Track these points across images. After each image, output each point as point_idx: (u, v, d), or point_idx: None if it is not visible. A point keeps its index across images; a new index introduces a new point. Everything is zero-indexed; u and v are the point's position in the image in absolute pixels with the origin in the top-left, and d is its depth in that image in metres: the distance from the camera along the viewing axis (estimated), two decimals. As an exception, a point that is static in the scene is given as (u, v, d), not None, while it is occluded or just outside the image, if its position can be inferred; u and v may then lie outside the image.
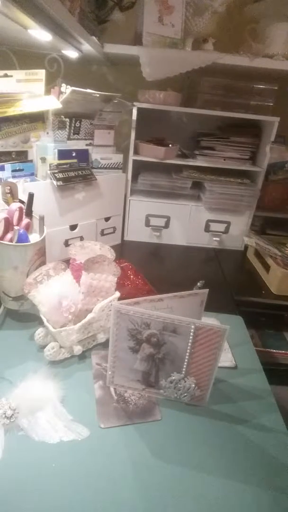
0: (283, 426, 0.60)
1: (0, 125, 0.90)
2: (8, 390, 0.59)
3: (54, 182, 0.96)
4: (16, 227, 0.77)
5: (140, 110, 1.15)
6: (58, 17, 0.68)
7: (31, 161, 0.98)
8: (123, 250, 1.28)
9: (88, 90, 0.96)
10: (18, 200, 0.82)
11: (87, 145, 1.09)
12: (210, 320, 0.81)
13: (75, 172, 1.02)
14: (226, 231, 1.33)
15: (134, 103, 1.14)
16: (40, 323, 0.71)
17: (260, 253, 1.17)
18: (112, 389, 0.64)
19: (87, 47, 0.94)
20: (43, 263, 0.78)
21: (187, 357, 0.59)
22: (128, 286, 0.86)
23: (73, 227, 1.10)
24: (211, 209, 1.30)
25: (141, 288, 0.87)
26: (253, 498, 0.49)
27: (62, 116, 0.99)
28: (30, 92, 0.92)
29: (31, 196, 0.81)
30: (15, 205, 0.78)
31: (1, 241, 0.73)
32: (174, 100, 1.16)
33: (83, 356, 0.72)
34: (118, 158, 1.15)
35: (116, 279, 0.74)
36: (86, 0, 0.95)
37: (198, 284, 0.70)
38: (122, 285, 0.84)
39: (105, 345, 0.74)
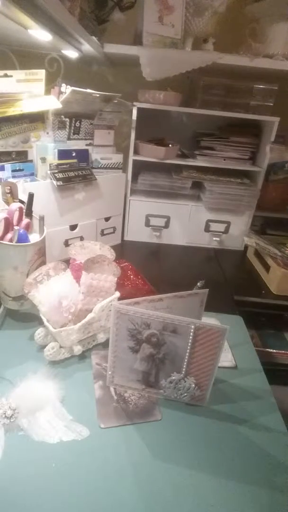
0: (283, 426, 0.60)
1: (0, 125, 0.90)
2: (8, 390, 0.59)
3: (54, 182, 0.96)
4: (16, 227, 0.77)
5: (140, 110, 1.15)
6: (58, 17, 0.68)
7: (31, 161, 0.98)
8: (123, 250, 1.28)
9: (88, 90, 0.96)
10: (18, 200, 0.82)
11: (87, 145, 1.09)
12: (210, 320, 0.81)
13: (75, 172, 1.02)
14: (226, 231, 1.33)
15: (134, 103, 1.14)
16: (40, 323, 0.71)
17: (260, 253, 1.17)
18: (112, 389, 0.64)
19: (87, 47, 0.94)
20: (43, 263, 0.78)
21: (187, 357, 0.59)
22: (128, 286, 0.86)
23: (73, 227, 1.10)
24: (211, 209, 1.30)
25: (141, 288, 0.87)
26: (253, 498, 0.49)
27: (62, 116, 0.99)
28: (30, 92, 0.92)
29: (31, 196, 0.81)
30: (15, 205, 0.78)
31: (1, 241, 0.73)
32: (174, 100, 1.16)
33: (83, 356, 0.72)
34: (118, 158, 1.15)
35: (116, 279, 0.74)
36: (86, 0, 0.95)
37: (198, 284, 0.70)
38: (122, 285, 0.84)
39: (105, 345, 0.74)
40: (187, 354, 0.58)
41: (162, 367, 0.61)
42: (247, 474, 0.52)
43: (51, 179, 0.97)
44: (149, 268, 1.05)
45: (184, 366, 0.59)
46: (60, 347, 0.69)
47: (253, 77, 1.21)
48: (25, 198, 0.82)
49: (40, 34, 0.76)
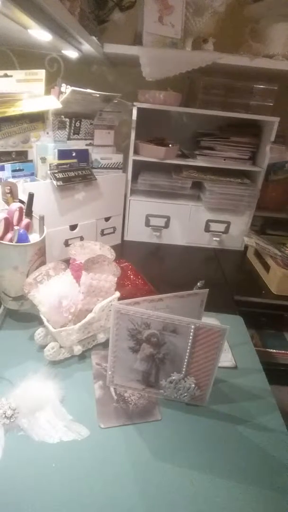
0: (283, 426, 0.60)
1: (0, 125, 0.90)
2: (8, 390, 0.59)
3: (54, 182, 0.96)
4: (16, 227, 0.77)
5: (140, 110, 1.15)
6: (58, 17, 0.67)
7: (31, 161, 0.98)
8: (123, 250, 1.28)
9: (88, 90, 0.96)
10: (18, 200, 0.82)
11: (87, 145, 1.09)
12: (210, 320, 0.81)
13: (75, 172, 1.02)
14: (226, 231, 1.33)
15: (134, 103, 1.14)
16: (40, 323, 0.71)
17: (260, 253, 1.17)
18: (112, 389, 0.64)
19: (87, 47, 0.94)
20: (43, 263, 0.78)
21: (187, 357, 0.59)
22: (128, 286, 0.86)
23: (73, 227, 1.10)
24: (211, 209, 1.30)
25: (141, 288, 0.87)
26: (253, 498, 0.49)
27: (62, 116, 0.99)
28: (30, 92, 0.92)
29: (31, 196, 0.81)
30: (15, 205, 0.78)
31: (1, 241, 0.73)
32: (174, 100, 1.16)
33: (83, 356, 0.72)
34: (118, 158, 1.15)
35: (116, 279, 0.74)
36: (86, 0, 0.95)
37: (198, 284, 0.69)
38: (122, 285, 0.84)
39: (105, 345, 0.74)
40: (187, 354, 0.58)
41: (162, 367, 0.61)
42: (247, 474, 0.52)
43: (51, 179, 0.97)
44: (149, 268, 1.05)
45: (184, 366, 0.59)
46: (60, 347, 0.69)
47: (253, 77, 1.21)
48: (25, 198, 0.82)
49: (40, 34, 0.76)
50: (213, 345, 0.57)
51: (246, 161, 1.29)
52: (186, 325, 0.57)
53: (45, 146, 0.98)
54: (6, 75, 0.93)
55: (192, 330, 0.56)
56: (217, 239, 1.34)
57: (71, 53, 1.03)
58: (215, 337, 0.56)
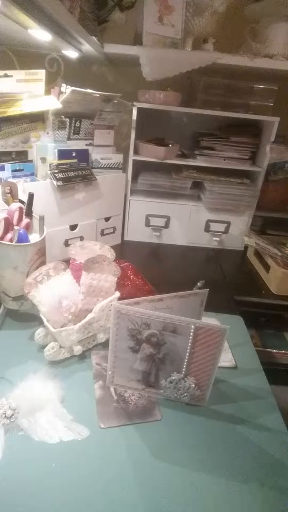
0: (283, 426, 0.60)
1: (0, 125, 0.90)
2: (8, 390, 0.59)
3: (54, 182, 0.96)
4: (16, 227, 0.77)
5: (140, 110, 1.15)
6: (58, 17, 0.68)
7: (31, 161, 0.98)
8: (123, 250, 1.28)
9: (88, 90, 0.96)
10: (18, 200, 0.82)
11: (87, 145, 1.09)
12: (210, 320, 0.81)
13: (75, 172, 1.02)
14: (226, 231, 1.33)
15: (134, 103, 1.14)
16: (40, 323, 0.71)
17: (260, 253, 1.17)
18: (112, 389, 0.64)
19: (87, 47, 0.94)
20: (43, 263, 0.78)
21: (187, 357, 0.59)
22: (128, 286, 0.86)
23: (73, 227, 1.10)
24: (211, 209, 1.30)
25: (141, 288, 0.87)
26: (253, 498, 0.49)
27: (62, 116, 0.99)
28: (30, 92, 0.92)
29: (31, 196, 0.81)
30: (15, 205, 0.78)
31: (1, 241, 0.73)
32: (174, 100, 1.16)
33: (83, 356, 0.72)
34: (118, 158, 1.15)
35: (116, 279, 0.74)
36: (86, 0, 0.95)
37: (198, 284, 0.70)
38: (122, 285, 0.84)
39: (105, 345, 0.74)
40: (187, 354, 0.58)
41: (162, 367, 0.61)
42: (247, 474, 0.52)
43: (51, 179, 0.97)
44: (149, 268, 1.05)
45: (184, 366, 0.59)
46: (60, 347, 0.69)
47: (253, 77, 1.21)
48: (25, 198, 0.82)
49: (40, 34, 0.76)
50: (213, 345, 0.57)
51: (246, 161, 1.29)
52: (186, 325, 0.57)
53: (45, 146, 0.98)
54: (6, 75, 0.92)
55: (192, 330, 0.56)
56: (217, 239, 1.34)
57: (71, 53, 1.03)
58: (215, 337, 0.56)
